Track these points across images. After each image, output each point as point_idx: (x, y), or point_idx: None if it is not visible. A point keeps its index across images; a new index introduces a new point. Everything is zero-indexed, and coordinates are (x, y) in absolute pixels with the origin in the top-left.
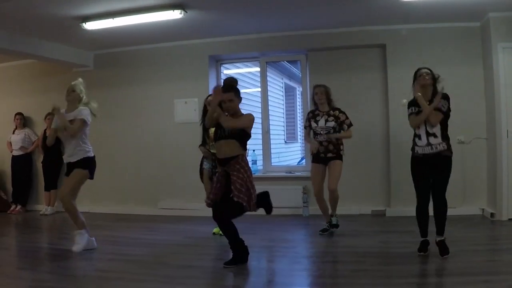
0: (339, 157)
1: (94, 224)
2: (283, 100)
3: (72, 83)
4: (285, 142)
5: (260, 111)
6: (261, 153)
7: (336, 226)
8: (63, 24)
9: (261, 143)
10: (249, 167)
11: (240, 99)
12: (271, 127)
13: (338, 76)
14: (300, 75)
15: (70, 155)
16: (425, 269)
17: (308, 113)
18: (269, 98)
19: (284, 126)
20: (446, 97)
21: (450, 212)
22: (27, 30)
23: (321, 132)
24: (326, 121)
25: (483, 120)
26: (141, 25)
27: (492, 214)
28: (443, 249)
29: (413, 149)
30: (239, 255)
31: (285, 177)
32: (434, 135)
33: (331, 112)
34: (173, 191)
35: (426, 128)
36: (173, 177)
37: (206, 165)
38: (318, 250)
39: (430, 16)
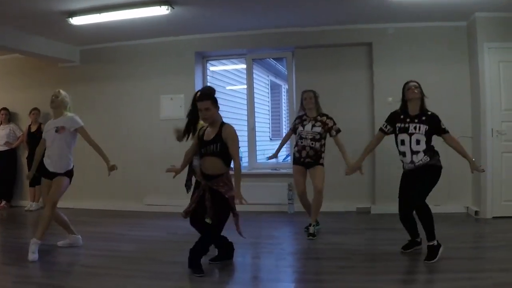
0: (319, 164)
1: (79, 220)
2: (268, 97)
3: (56, 90)
4: (270, 139)
5: (246, 108)
6: (247, 149)
7: (314, 235)
8: (49, 18)
9: (246, 140)
10: (232, 185)
11: (217, 107)
12: (256, 124)
13: (324, 74)
14: (286, 73)
15: (55, 164)
16: (411, 266)
17: (296, 118)
18: (255, 95)
19: (269, 123)
20: (437, 117)
21: (434, 210)
22: (13, 24)
23: (306, 136)
24: (313, 126)
25: (468, 118)
26: (128, 21)
27: (476, 212)
28: (429, 254)
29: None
30: (225, 251)
31: (270, 174)
32: (418, 153)
33: (318, 117)
34: (158, 187)
35: (410, 146)
36: (158, 173)
37: (196, 162)
38: (303, 247)
39: (416, 15)
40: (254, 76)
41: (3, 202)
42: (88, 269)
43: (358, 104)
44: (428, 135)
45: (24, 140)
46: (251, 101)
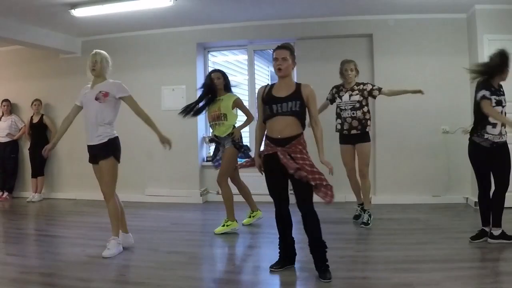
0: (366, 137)
1: (82, 211)
2: None
3: (92, 53)
4: None
5: (248, 99)
6: (248, 140)
7: (367, 224)
8: (51, 10)
9: (248, 130)
10: (307, 154)
11: (294, 63)
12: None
13: (325, 65)
14: None
15: (93, 137)
16: (410, 256)
17: (333, 88)
18: (256, 86)
19: None
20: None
21: (434, 200)
22: (14, 15)
23: (345, 107)
24: (350, 96)
25: (467, 110)
26: (130, 12)
27: (475, 203)
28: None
29: (480, 136)
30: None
31: None
32: (505, 125)
33: (355, 87)
34: (159, 178)
35: None
36: (160, 164)
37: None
38: (305, 237)
39: (417, 7)
40: (255, 67)
41: (5, 194)
42: (91, 259)
43: None
44: None
45: (26, 132)
46: (252, 91)
